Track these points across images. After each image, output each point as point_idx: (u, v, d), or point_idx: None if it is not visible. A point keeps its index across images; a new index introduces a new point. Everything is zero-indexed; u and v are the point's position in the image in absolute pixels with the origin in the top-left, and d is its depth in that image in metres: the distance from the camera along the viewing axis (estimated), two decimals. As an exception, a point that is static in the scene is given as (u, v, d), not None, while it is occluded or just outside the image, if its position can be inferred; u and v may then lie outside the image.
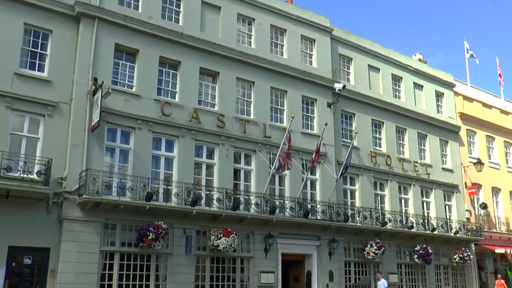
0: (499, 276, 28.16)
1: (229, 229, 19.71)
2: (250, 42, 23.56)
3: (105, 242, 17.74)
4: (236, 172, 21.70)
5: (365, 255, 24.40)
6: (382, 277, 21.98)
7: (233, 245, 19.81)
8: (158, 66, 20.38)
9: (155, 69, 20.23)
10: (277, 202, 21.98)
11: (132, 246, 18.20)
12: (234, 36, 22.80)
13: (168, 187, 19.37)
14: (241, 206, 20.81)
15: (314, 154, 22.52)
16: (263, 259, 21.27)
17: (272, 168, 21.41)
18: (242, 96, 22.65)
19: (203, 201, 19.92)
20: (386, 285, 20.99)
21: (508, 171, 36.55)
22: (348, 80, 27.41)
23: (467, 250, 29.12)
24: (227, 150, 21.24)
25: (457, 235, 28.90)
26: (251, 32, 23.68)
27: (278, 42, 24.64)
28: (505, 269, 31.47)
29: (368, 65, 28.54)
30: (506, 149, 37.32)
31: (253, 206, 20.99)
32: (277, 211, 21.70)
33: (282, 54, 24.54)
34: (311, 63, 25.64)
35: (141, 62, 19.90)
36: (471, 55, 36.56)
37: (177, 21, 21.42)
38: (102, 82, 17.73)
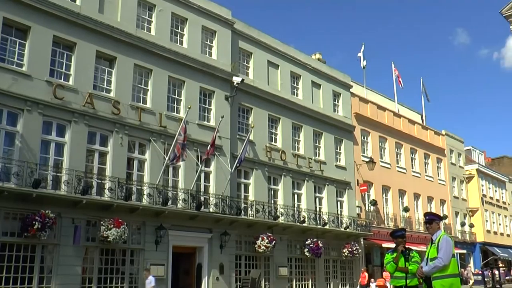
0: (362, 269, 30.93)
1: (120, 220, 20.10)
2: (150, 28, 24.25)
3: (-16, 232, 17.50)
4: (130, 161, 22.32)
5: (256, 248, 26.03)
6: (150, 275, 20.15)
7: (123, 237, 20.23)
8: (52, 45, 20.40)
9: (48, 48, 20.23)
10: (170, 194, 22.88)
11: (16, 236, 18.08)
12: (134, 21, 23.36)
13: (58, 174, 19.54)
14: (134, 197, 21.39)
15: (209, 146, 23.68)
16: (153, 251, 21.98)
17: (167, 158, 22.24)
18: (139, 83, 23.31)
19: (94, 190, 20.26)
20: (153, 284, 19.81)
21: (398, 171, 40.34)
22: (247, 74, 28.96)
23: (356, 244, 32.03)
24: (121, 138, 21.72)
25: (347, 230, 31.71)
26: (152, 18, 24.37)
27: (179, 31, 25.54)
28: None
29: (268, 61, 30.30)
30: (397, 149, 41.04)
31: (145, 196, 21.74)
32: (170, 202, 22.60)
33: (182, 44, 25.49)
34: (210, 54, 26.80)
35: (33, 40, 19.84)
36: (359, 58, 39.66)
37: (74, -1, 21.55)
38: (-13, 58, 17.56)
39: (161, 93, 23.81)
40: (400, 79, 44.40)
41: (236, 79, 26.69)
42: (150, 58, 23.56)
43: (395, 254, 8.88)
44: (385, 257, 9.11)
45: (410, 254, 8.79)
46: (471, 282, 41.49)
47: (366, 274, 29.87)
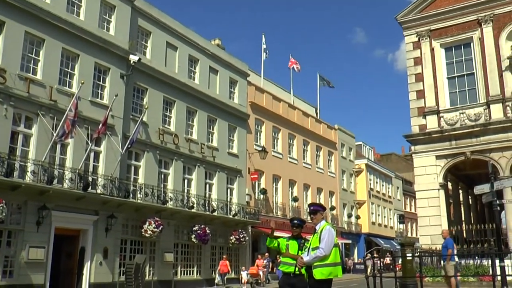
0: (224, 257, 31.92)
1: (-2, 198, 19.51)
2: (45, -5, 23.65)
3: None
4: (14, 135, 21.76)
5: (143, 233, 26.42)
6: None
7: (1, 216, 19.54)
8: None
9: None
10: (56, 172, 22.63)
11: None
12: (27, -14, 22.72)
13: None
14: (16, 173, 20.92)
15: (101, 125, 23.72)
16: (34, 233, 21.57)
17: (55, 134, 21.97)
18: (29, 52, 22.76)
19: (-29, 164, 19.67)
20: None
21: (289, 161, 42.44)
22: (145, 54, 29.23)
23: (244, 232, 33.51)
24: (6, 110, 21.09)
25: (236, 217, 33.09)
26: (48, -15, 23.77)
27: (76, 1, 25.21)
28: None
29: (167, 42, 30.74)
30: (290, 140, 43.03)
31: (29, 174, 21.31)
32: (56, 181, 22.35)
33: (78, 15, 25.21)
34: (108, 30, 26.76)
35: None
36: (264, 50, 40.99)
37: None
38: None
39: (53, 65, 23.41)
40: (298, 64, 45.77)
41: (133, 58, 26.86)
42: (43, 27, 23.09)
43: (290, 242, 9.19)
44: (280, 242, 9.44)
45: (305, 244, 9.07)
46: (369, 269, 44.64)
47: (227, 263, 31.11)
